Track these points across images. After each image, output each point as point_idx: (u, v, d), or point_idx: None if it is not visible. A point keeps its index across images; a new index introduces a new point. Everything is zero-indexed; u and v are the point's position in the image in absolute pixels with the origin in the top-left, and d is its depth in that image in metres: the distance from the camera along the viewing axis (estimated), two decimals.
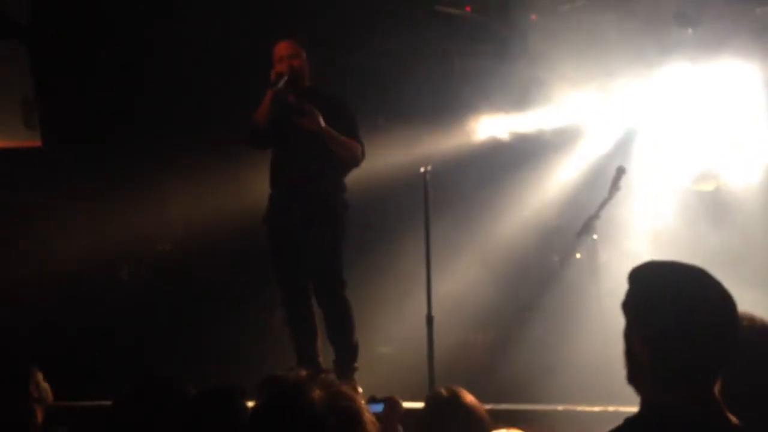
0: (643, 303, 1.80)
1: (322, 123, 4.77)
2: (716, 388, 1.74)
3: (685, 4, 5.97)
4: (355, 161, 4.92)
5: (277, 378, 1.71)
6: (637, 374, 1.81)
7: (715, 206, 6.30)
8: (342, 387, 1.70)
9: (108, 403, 2.93)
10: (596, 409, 4.38)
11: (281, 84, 4.79)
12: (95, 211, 6.54)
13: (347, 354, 4.91)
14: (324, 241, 4.84)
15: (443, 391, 2.88)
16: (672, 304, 1.76)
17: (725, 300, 1.77)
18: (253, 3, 6.62)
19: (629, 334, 1.82)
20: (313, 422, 1.61)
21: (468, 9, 6.84)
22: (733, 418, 1.74)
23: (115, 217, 6.49)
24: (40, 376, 3.10)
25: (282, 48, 4.93)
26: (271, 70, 4.90)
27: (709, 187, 6.44)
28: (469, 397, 2.83)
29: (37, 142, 6.49)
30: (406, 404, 3.69)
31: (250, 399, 2.74)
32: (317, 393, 1.65)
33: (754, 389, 1.91)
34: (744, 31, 6.10)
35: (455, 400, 2.80)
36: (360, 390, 4.59)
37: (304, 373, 1.71)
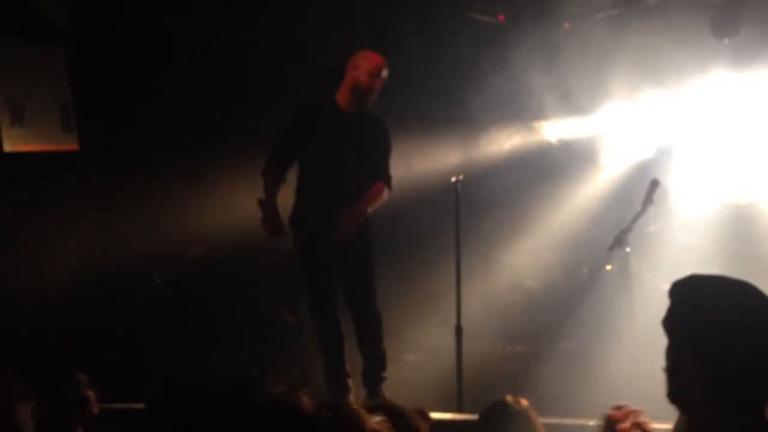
0: (692, 318, 1.71)
1: (353, 227, 4.72)
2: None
3: (722, 13, 5.89)
4: (383, 203, 4.92)
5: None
6: (683, 392, 1.73)
7: (748, 221, 6.21)
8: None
9: (138, 405, 2.96)
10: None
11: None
12: (130, 215, 6.62)
13: (376, 363, 4.92)
14: (357, 255, 4.84)
15: (508, 398, 2.86)
16: (725, 318, 1.68)
17: None
18: (284, 18, 6.65)
19: (675, 351, 1.74)
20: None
21: (501, 17, 6.83)
22: None
23: (148, 222, 6.57)
24: (85, 378, 3.14)
25: (373, 60, 4.76)
26: (362, 81, 4.74)
27: (743, 199, 6.34)
28: (530, 409, 2.81)
29: (74, 146, 6.59)
30: (434, 415, 3.68)
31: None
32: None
33: None
34: None
35: (517, 407, 2.79)
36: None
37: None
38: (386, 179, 4.89)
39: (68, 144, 6.57)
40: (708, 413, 1.70)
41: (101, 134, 6.61)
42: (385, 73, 4.80)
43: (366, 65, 4.75)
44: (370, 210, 4.84)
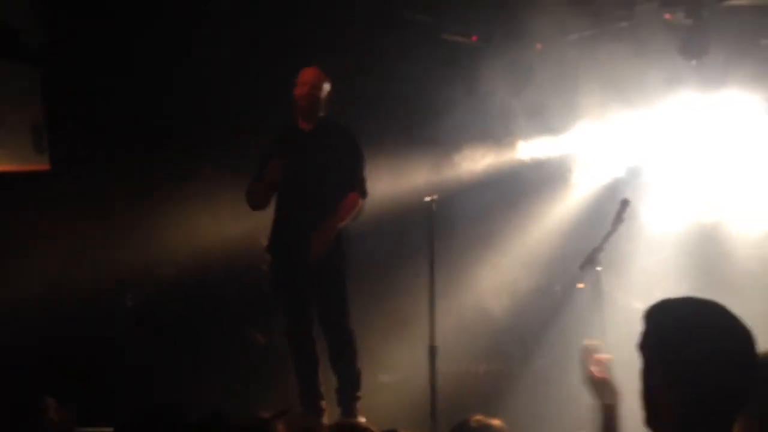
0: (664, 340, 1.74)
1: (325, 247, 4.75)
2: (735, 428, 1.71)
3: (690, 35, 5.99)
4: (360, 213, 4.94)
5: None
6: (657, 416, 1.75)
7: (717, 240, 6.30)
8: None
9: (107, 430, 2.94)
10: None
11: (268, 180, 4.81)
12: (99, 235, 6.57)
13: (350, 383, 4.91)
14: (330, 272, 4.84)
15: (477, 417, 2.85)
16: (698, 343, 1.71)
17: (747, 336, 1.73)
18: (264, 29, 6.68)
19: (649, 375, 1.77)
20: None
21: (474, 38, 6.90)
22: None
23: (119, 242, 6.52)
24: (53, 403, 3.11)
25: (305, 74, 4.91)
26: (293, 94, 4.87)
27: (712, 218, 6.43)
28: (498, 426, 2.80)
29: (45, 166, 6.54)
30: None
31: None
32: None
33: None
34: (749, 62, 6.13)
35: (486, 425, 2.79)
36: (363, 419, 4.60)
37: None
38: (359, 188, 4.90)
39: (39, 164, 6.52)
40: None
41: (73, 154, 6.57)
42: (322, 84, 4.86)
43: (299, 79, 4.87)
44: (344, 224, 4.85)
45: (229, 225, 6.37)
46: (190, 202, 6.56)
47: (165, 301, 6.70)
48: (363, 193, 4.92)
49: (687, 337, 1.73)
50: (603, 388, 2.38)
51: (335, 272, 4.87)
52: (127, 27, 6.58)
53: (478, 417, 2.79)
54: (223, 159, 6.53)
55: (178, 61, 6.55)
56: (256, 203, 4.96)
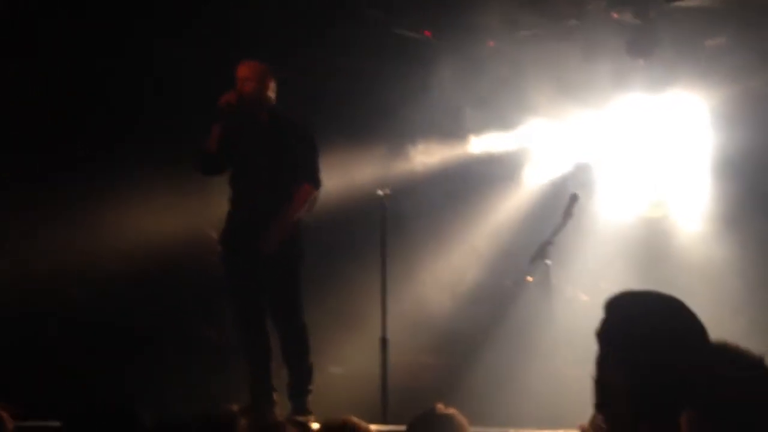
0: (622, 333, 1.80)
1: (279, 239, 4.72)
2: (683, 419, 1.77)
3: (637, 35, 6.11)
4: (314, 204, 4.93)
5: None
6: (609, 403, 1.80)
7: (662, 235, 6.46)
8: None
9: (54, 424, 2.88)
10: None
11: (227, 112, 4.76)
12: (44, 228, 6.43)
13: (302, 377, 4.88)
14: (284, 265, 4.82)
15: (438, 407, 2.86)
16: (655, 335, 1.77)
17: (701, 330, 1.79)
18: (207, 20, 6.59)
19: (605, 364, 1.82)
20: None
21: (427, 33, 6.93)
22: None
23: (65, 235, 6.39)
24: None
25: (240, 69, 4.89)
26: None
27: (658, 214, 6.60)
28: (458, 416, 2.82)
29: None
30: None
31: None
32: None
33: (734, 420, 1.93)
34: (694, 63, 6.29)
35: (447, 416, 2.80)
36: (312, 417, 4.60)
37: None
38: (312, 180, 4.88)
39: None
40: (627, 426, 1.78)
41: (16, 148, 6.42)
42: (246, 73, 4.80)
43: (237, 73, 4.84)
44: (298, 215, 4.83)
45: (175, 219, 6.29)
46: (133, 197, 6.46)
47: (110, 296, 6.59)
48: (317, 184, 4.90)
49: (644, 327, 1.79)
50: None
51: (290, 267, 4.85)
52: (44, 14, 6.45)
53: (440, 405, 2.81)
54: (172, 152, 6.43)
55: (120, 51, 6.44)
56: (206, 164, 4.88)
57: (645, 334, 1.77)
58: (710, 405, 1.85)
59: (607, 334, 1.83)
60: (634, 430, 1.76)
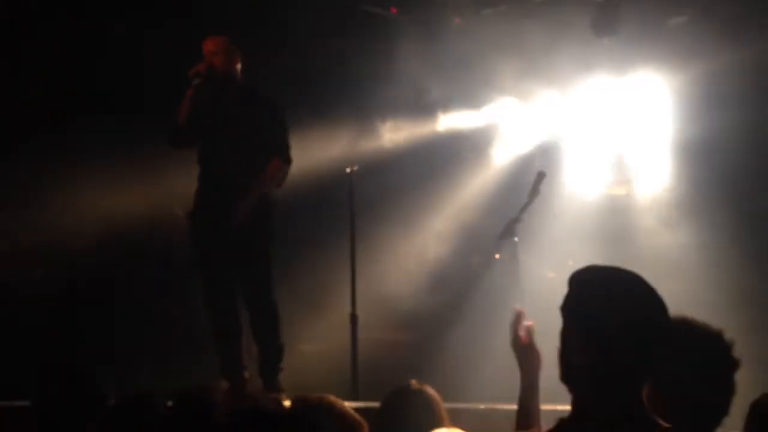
0: (585, 307, 1.86)
1: (250, 208, 4.73)
2: (644, 392, 1.83)
3: (601, 13, 6.15)
4: (284, 179, 4.93)
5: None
6: (572, 374, 1.87)
7: (627, 213, 6.56)
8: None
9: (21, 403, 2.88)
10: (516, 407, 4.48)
11: (197, 82, 4.75)
12: (3, 208, 6.34)
13: (273, 356, 4.90)
14: (256, 242, 4.82)
15: (412, 383, 2.90)
16: (615, 309, 1.82)
17: (661, 306, 1.85)
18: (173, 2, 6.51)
19: (568, 336, 1.88)
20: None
21: (393, 10, 6.92)
22: (662, 422, 1.81)
23: (27, 215, 6.31)
24: None
25: (206, 44, 4.89)
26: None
27: (622, 191, 6.71)
28: (432, 392, 2.87)
29: None
30: None
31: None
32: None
33: (685, 392, 2.00)
34: (656, 42, 6.35)
35: (420, 390, 2.85)
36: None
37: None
38: (281, 154, 4.88)
39: None
40: (589, 393, 1.84)
41: None
42: (213, 48, 4.82)
43: (205, 48, 4.87)
44: (268, 189, 4.82)
45: (139, 198, 6.24)
46: (101, 174, 6.39)
47: (77, 275, 6.52)
48: (287, 159, 4.91)
49: (605, 300, 1.85)
50: (527, 354, 2.50)
51: (262, 244, 4.85)
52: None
53: (414, 382, 2.87)
54: (136, 125, 6.35)
55: (73, 26, 6.34)
56: (175, 137, 4.87)
57: (604, 307, 1.84)
58: (665, 377, 1.90)
59: (569, 307, 1.89)
60: (596, 400, 1.82)
